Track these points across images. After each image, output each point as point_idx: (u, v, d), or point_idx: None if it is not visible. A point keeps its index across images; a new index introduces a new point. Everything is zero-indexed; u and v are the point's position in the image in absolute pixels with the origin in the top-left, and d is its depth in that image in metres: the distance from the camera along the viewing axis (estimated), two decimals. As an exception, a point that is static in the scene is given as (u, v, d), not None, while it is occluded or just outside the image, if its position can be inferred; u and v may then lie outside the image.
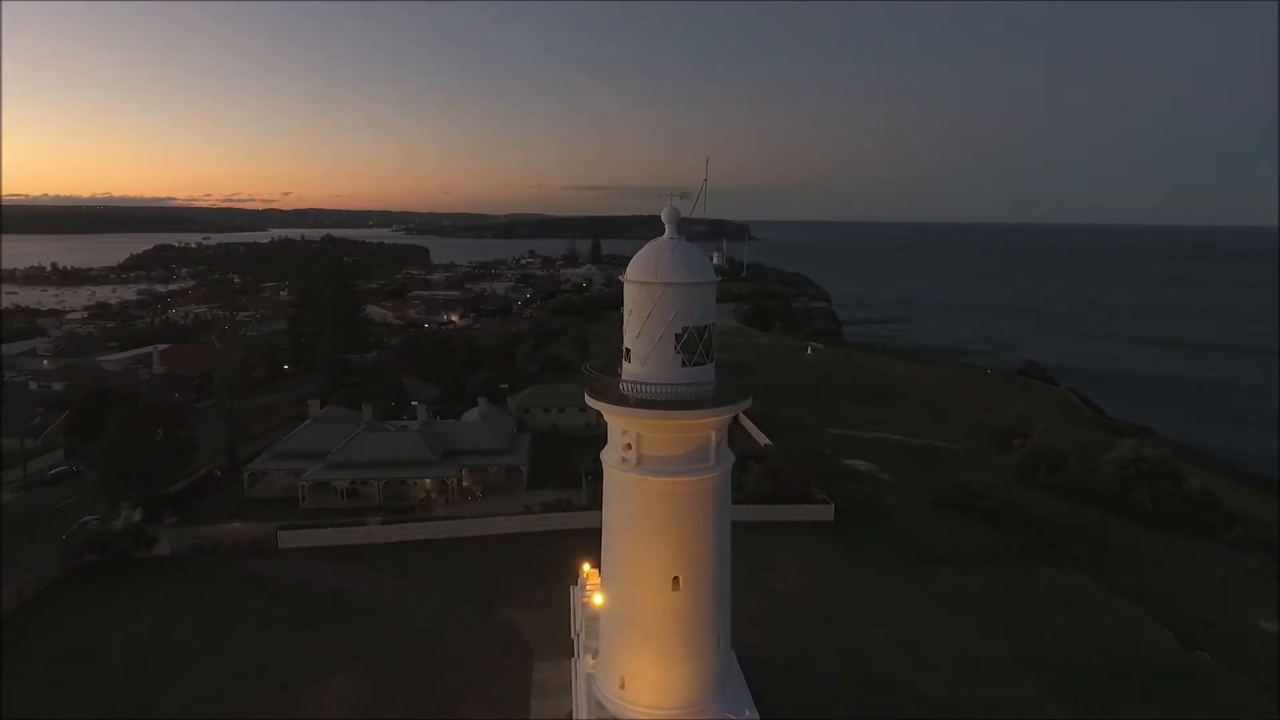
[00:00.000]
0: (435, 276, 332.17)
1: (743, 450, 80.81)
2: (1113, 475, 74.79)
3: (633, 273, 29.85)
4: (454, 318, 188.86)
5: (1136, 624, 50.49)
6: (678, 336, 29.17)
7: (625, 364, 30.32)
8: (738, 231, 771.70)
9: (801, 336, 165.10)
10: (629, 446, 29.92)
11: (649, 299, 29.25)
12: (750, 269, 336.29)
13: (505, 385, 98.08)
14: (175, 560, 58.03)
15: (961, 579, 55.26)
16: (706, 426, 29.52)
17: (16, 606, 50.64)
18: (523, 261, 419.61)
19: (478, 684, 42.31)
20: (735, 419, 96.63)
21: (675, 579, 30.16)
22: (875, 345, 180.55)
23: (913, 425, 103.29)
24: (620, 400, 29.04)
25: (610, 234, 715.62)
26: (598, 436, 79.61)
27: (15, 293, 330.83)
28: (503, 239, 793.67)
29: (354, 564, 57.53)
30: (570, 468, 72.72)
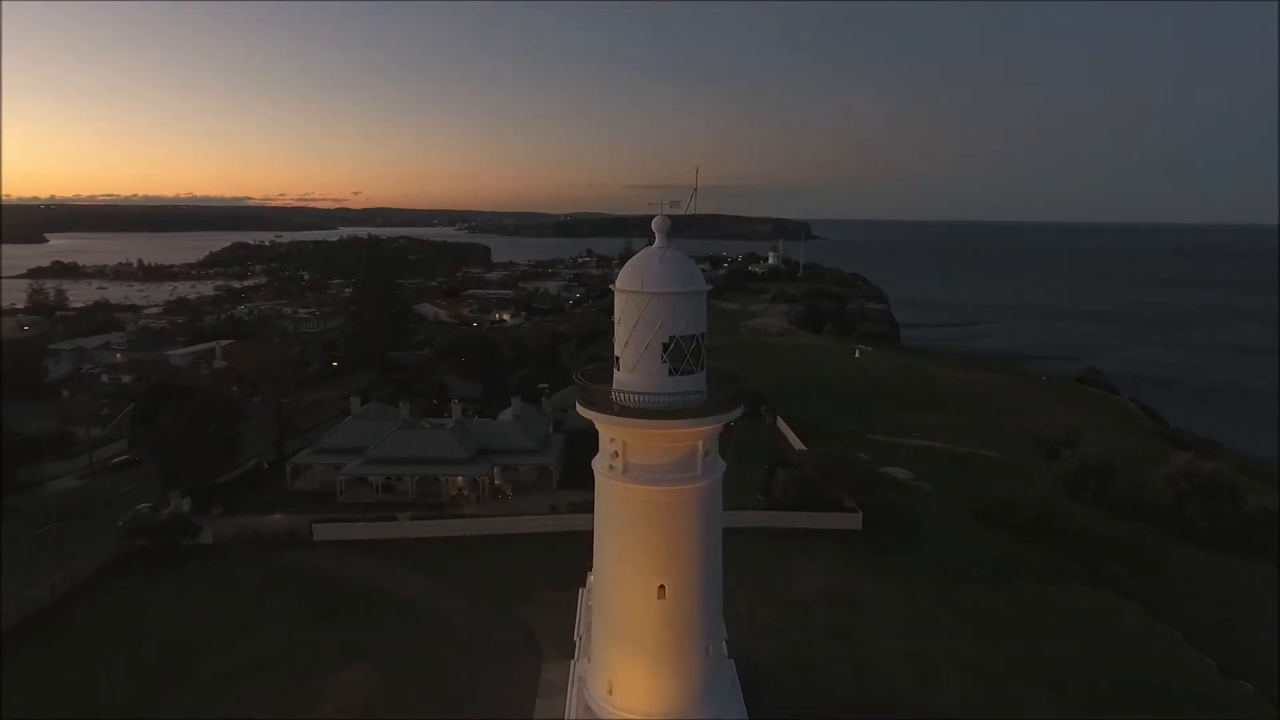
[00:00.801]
0: (493, 275, 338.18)
1: (777, 455, 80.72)
2: (1165, 491, 71.27)
3: (621, 281, 30.05)
4: (505, 316, 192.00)
5: (1175, 649, 48.19)
6: (664, 346, 29.26)
7: (615, 372, 30.58)
8: (799, 230, 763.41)
9: (851, 339, 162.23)
10: (616, 454, 30.16)
11: (636, 308, 29.41)
12: (807, 269, 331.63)
13: (545, 385, 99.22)
14: (217, 549, 60.84)
15: (988, 594, 53.67)
16: (691, 437, 29.51)
17: (71, 588, 53.98)
18: (580, 260, 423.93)
19: (486, 681, 43.17)
20: (773, 423, 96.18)
21: (661, 587, 30.26)
22: (930, 349, 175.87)
23: (959, 433, 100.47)
24: (605, 408, 29.32)
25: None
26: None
27: (105, 288, 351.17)
28: (563, 238, 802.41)
29: (383, 558, 59.27)
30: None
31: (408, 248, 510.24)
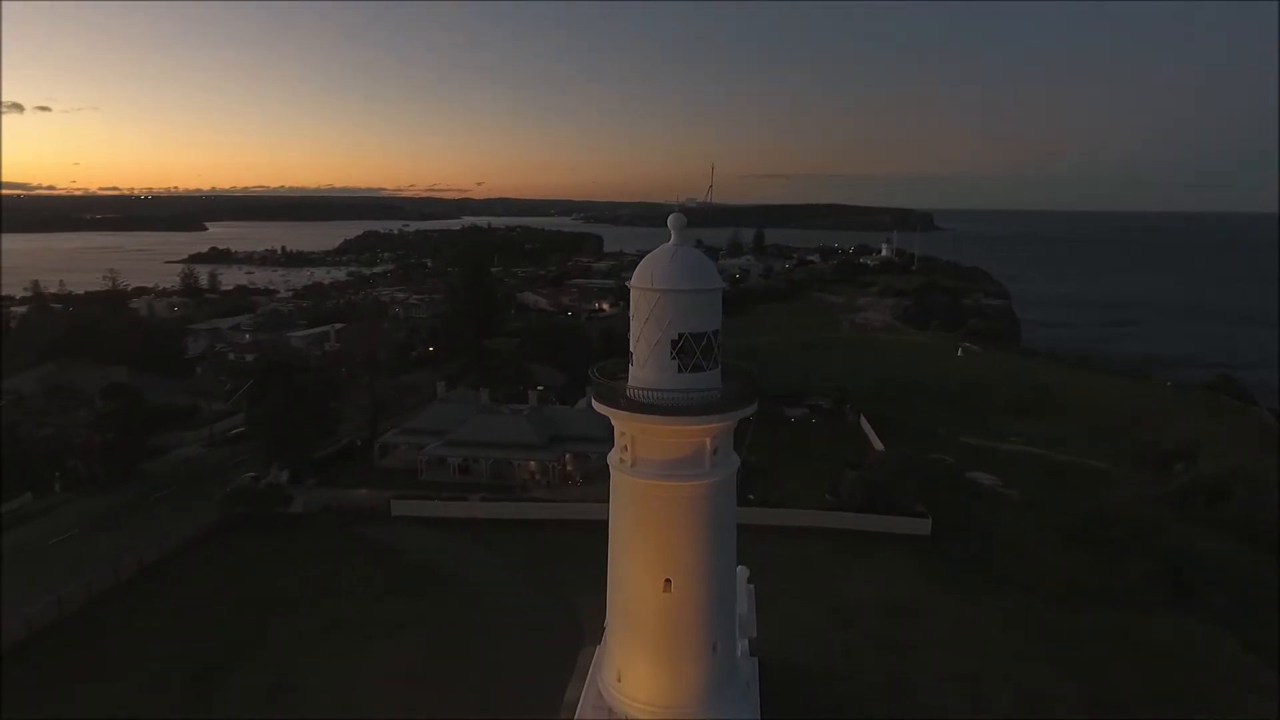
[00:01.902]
0: (601, 264, 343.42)
1: (853, 454, 78.51)
2: (1288, 513, 64.28)
3: (635, 278, 30.44)
4: (604, 305, 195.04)
5: (1267, 691, 43.69)
6: (674, 342, 29.49)
7: (630, 367, 31.02)
8: (922, 220, 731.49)
9: (957, 336, 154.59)
10: (625, 448, 30.72)
11: (646, 304, 29.76)
12: (923, 261, 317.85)
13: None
14: (306, 518, 65.70)
15: (1057, 613, 50.40)
16: (698, 434, 29.57)
17: (178, 547, 59.85)
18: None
19: (526, 660, 44.68)
20: (856, 421, 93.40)
21: (667, 581, 30.61)
22: (1048, 350, 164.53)
23: (1064, 440, 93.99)
24: (613, 402, 29.83)
25: (781, 223, 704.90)
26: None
27: (252, 272, 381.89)
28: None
29: (452, 536, 62.23)
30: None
31: (524, 236, 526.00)
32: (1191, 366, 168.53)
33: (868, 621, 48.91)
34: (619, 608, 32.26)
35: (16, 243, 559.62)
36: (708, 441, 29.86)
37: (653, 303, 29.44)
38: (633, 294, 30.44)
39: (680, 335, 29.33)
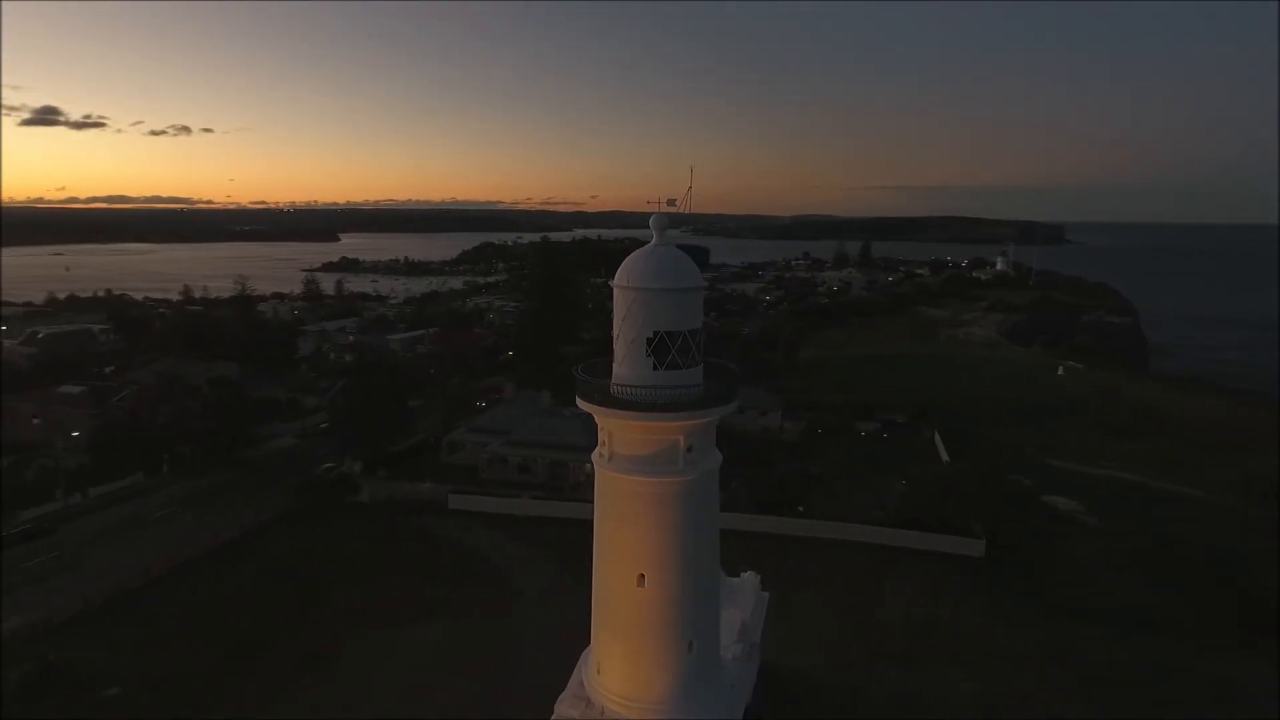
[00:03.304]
0: (705, 276, 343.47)
1: (914, 469, 75.49)
2: None
3: (616, 277, 31.31)
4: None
5: (1343, 744, 39.33)
6: (649, 340, 30.10)
7: (613, 364, 31.87)
8: (1050, 234, 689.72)
9: (1061, 354, 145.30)
10: (604, 443, 31.55)
11: (624, 302, 30.58)
12: (1041, 276, 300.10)
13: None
14: (370, 507, 69.88)
15: (1110, 645, 46.96)
16: (669, 430, 29.98)
17: (254, 527, 65.25)
18: (793, 263, 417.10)
19: (540, 648, 45.69)
20: (931, 437, 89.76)
21: (641, 576, 31.12)
22: (1174, 372, 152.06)
23: (1165, 467, 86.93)
24: (589, 397, 30.74)
25: (893, 236, 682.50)
26: (778, 442, 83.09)
27: (376, 280, 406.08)
28: (787, 240, 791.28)
29: (499, 530, 64.67)
30: (730, 466, 73.10)
31: (633, 248, 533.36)
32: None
33: (894, 640, 47.25)
34: (599, 601, 33.05)
35: (178, 252, 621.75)
36: (681, 439, 30.22)
37: (630, 301, 30.20)
38: (615, 293, 31.30)
39: (655, 333, 29.91)
